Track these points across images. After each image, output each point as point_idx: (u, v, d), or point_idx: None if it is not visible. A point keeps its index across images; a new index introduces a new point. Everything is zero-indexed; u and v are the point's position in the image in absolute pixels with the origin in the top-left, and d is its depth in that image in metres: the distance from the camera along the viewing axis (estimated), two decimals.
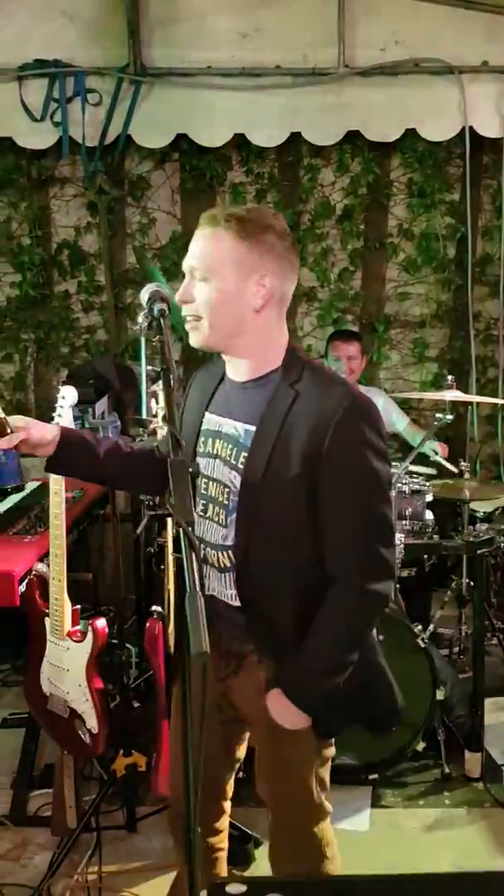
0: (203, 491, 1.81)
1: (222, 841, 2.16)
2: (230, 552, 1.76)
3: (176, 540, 1.29)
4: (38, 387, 5.05)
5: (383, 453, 1.67)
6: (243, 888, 1.11)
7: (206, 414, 1.83)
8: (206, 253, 1.70)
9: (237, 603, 1.78)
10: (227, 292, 1.69)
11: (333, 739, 1.92)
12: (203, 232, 1.72)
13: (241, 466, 1.72)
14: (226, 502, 1.75)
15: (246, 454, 1.71)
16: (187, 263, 1.74)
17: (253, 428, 1.72)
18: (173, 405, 1.48)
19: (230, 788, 2.12)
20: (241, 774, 2.93)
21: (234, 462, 1.74)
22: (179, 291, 1.73)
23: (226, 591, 1.80)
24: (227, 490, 1.75)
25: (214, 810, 2.11)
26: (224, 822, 2.15)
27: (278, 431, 1.67)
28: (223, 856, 2.18)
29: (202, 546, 1.77)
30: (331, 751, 1.92)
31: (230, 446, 1.76)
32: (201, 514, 1.81)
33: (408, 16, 4.28)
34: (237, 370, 1.79)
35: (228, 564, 1.77)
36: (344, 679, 1.73)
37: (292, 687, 1.74)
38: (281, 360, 1.75)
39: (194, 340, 1.75)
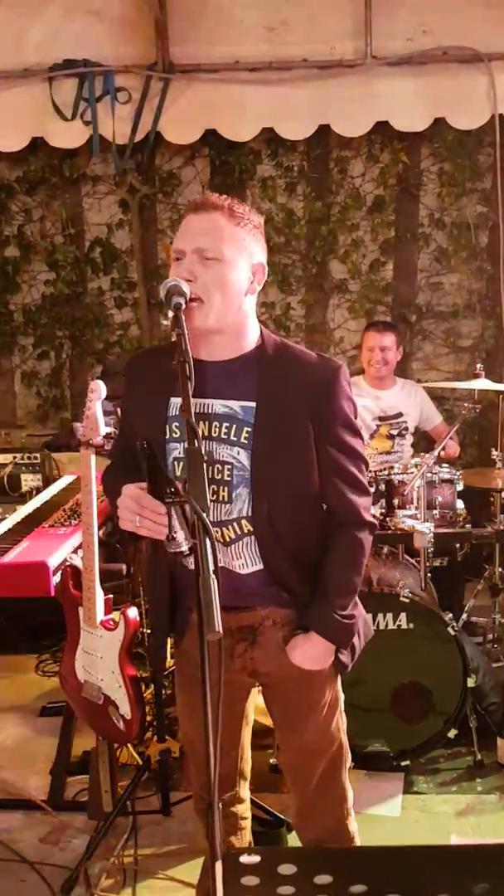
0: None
1: (246, 810, 2.22)
2: (237, 524, 1.82)
3: (193, 526, 1.33)
4: (74, 382, 5.14)
5: (355, 405, 1.91)
6: (257, 858, 1.15)
7: (173, 398, 1.83)
8: (215, 234, 1.74)
9: (247, 570, 1.86)
10: (234, 273, 1.75)
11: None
12: (207, 215, 1.76)
13: (245, 441, 1.78)
14: (228, 478, 1.80)
15: (250, 429, 1.78)
16: (191, 244, 1.74)
17: (250, 404, 1.79)
18: (189, 396, 1.51)
19: (248, 749, 2.18)
20: (272, 761, 3.03)
21: (234, 439, 1.79)
22: (182, 269, 1.74)
23: (233, 561, 1.86)
24: (227, 467, 1.79)
25: (238, 777, 2.16)
26: (246, 791, 2.21)
27: (279, 403, 1.78)
28: (248, 825, 2.24)
29: None
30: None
31: (226, 425, 1.79)
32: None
33: (434, 4, 4.28)
34: (220, 350, 1.81)
35: (235, 535, 1.83)
36: (356, 599, 1.93)
37: (320, 622, 1.86)
38: (259, 339, 1.84)
39: (200, 321, 1.73)
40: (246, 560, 1.86)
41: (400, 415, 4.16)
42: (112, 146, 4.54)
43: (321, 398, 1.80)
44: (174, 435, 1.83)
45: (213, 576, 1.28)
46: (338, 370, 1.84)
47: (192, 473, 1.39)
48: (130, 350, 5.01)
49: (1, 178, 4.96)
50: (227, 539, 1.84)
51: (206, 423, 1.81)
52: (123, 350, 5.05)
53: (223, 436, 1.80)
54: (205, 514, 1.33)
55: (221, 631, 1.22)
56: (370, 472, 3.39)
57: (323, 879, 1.18)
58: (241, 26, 4.34)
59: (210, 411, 1.81)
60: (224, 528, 1.83)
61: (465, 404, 3.40)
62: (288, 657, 1.89)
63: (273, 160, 4.85)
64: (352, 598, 1.91)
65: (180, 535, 1.62)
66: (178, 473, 1.81)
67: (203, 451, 1.43)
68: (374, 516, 1.96)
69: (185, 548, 1.60)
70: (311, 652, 1.88)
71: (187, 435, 1.46)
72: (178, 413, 1.81)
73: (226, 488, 1.80)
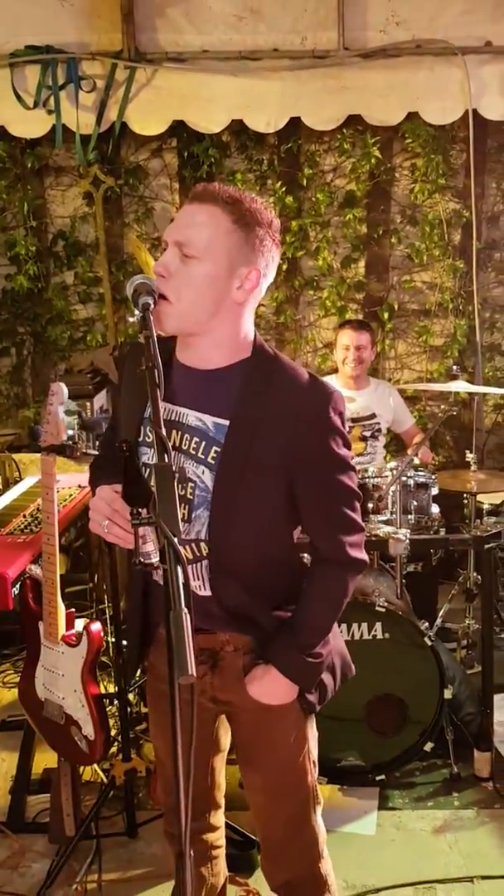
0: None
1: (219, 839, 2.08)
2: (194, 545, 1.69)
3: (161, 551, 1.20)
4: (36, 380, 4.98)
5: (347, 437, 1.72)
6: None
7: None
8: (202, 230, 1.58)
9: (204, 593, 1.72)
10: (213, 278, 1.59)
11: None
12: (201, 207, 1.60)
13: (211, 461, 1.64)
14: (189, 497, 1.66)
15: (218, 449, 1.63)
16: (175, 235, 1.60)
17: (224, 422, 1.63)
18: (159, 406, 1.38)
19: (223, 780, 2.05)
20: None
21: (201, 457, 1.65)
22: (159, 263, 1.59)
23: (193, 582, 1.72)
24: (190, 485, 1.66)
25: (210, 805, 2.03)
26: (220, 819, 2.07)
27: (254, 426, 1.62)
28: (222, 854, 2.10)
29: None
30: (315, 732, 1.92)
31: (196, 440, 1.65)
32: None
33: None
34: (201, 358, 1.66)
35: (191, 557, 1.69)
36: (327, 643, 1.78)
37: (282, 660, 1.73)
38: (248, 352, 1.67)
39: (166, 324, 1.60)
40: (203, 583, 1.72)
41: (373, 416, 4.08)
42: (76, 136, 4.38)
43: (307, 432, 1.63)
44: (147, 439, 1.71)
45: (186, 609, 1.14)
46: (328, 399, 1.64)
47: (161, 492, 1.26)
48: (95, 347, 4.85)
49: None
50: (186, 558, 1.71)
51: (178, 433, 1.68)
52: (88, 347, 4.89)
53: (191, 450, 1.66)
54: (175, 540, 1.20)
55: (195, 674, 1.09)
56: None
57: None
58: (210, 14, 4.21)
59: (183, 421, 1.67)
60: (184, 548, 1.69)
61: (442, 406, 3.30)
62: (244, 685, 1.76)
63: (243, 153, 4.71)
64: (322, 638, 1.75)
65: (149, 547, 1.49)
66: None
67: (174, 466, 1.30)
68: (362, 557, 1.77)
69: (154, 560, 1.47)
70: (269, 686, 1.74)
71: (157, 449, 1.32)
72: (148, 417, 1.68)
73: (186, 507, 1.67)
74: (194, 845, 1.77)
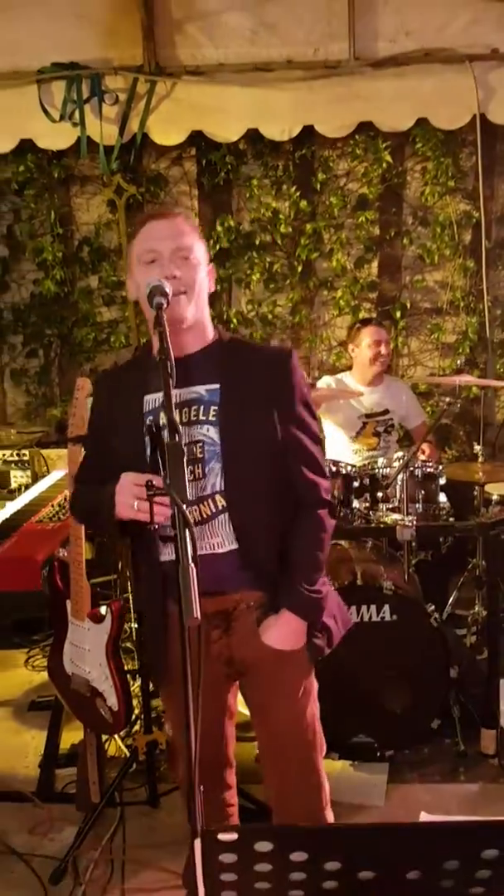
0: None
1: (233, 797, 2.28)
2: (211, 500, 1.90)
3: (172, 517, 1.38)
4: (63, 380, 5.18)
5: (307, 385, 2.02)
6: (234, 836, 1.20)
7: (147, 396, 1.94)
8: (186, 236, 1.90)
9: (223, 549, 1.92)
10: (203, 272, 1.92)
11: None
12: (172, 220, 1.92)
13: (213, 418, 1.89)
14: (200, 455, 1.89)
15: (216, 407, 1.89)
16: (169, 245, 1.87)
17: (214, 386, 1.91)
18: (171, 393, 1.57)
19: (233, 738, 2.23)
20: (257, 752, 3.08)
21: (203, 418, 1.89)
22: (165, 269, 1.85)
23: (211, 540, 1.92)
24: (198, 444, 1.89)
25: (223, 764, 2.22)
26: (232, 777, 2.26)
27: (241, 383, 1.91)
28: (235, 811, 2.29)
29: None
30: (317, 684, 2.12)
31: (195, 408, 1.91)
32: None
33: (417, 6, 4.32)
34: (189, 344, 1.93)
35: (210, 512, 1.91)
36: (323, 576, 2.00)
37: (287, 597, 1.93)
38: (214, 335, 1.99)
39: (188, 312, 1.87)
40: (223, 539, 1.92)
41: (386, 412, 4.18)
42: (100, 147, 4.58)
43: (278, 379, 1.92)
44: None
45: (192, 563, 1.34)
46: (290, 352, 1.97)
47: (172, 466, 1.45)
48: (119, 347, 5.04)
49: None
50: (205, 516, 1.91)
51: (175, 411, 1.87)
52: (112, 348, 5.09)
53: (192, 418, 1.90)
54: (184, 507, 1.38)
55: (199, 616, 1.28)
56: (354, 467, 3.47)
57: (298, 857, 1.22)
58: (226, 29, 4.39)
59: (179, 400, 1.90)
60: (200, 505, 1.90)
61: (447, 399, 3.43)
62: (261, 640, 1.94)
63: (259, 160, 4.89)
64: (317, 574, 1.97)
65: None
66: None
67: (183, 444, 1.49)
68: (332, 497, 2.08)
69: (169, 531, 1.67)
70: (283, 629, 1.93)
71: (168, 429, 1.51)
72: (156, 407, 1.91)
73: (199, 465, 1.89)
74: (210, 804, 1.95)
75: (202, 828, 1.20)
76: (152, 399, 1.93)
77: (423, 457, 3.75)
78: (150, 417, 1.90)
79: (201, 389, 1.91)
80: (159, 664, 2.03)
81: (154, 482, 1.63)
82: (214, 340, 1.98)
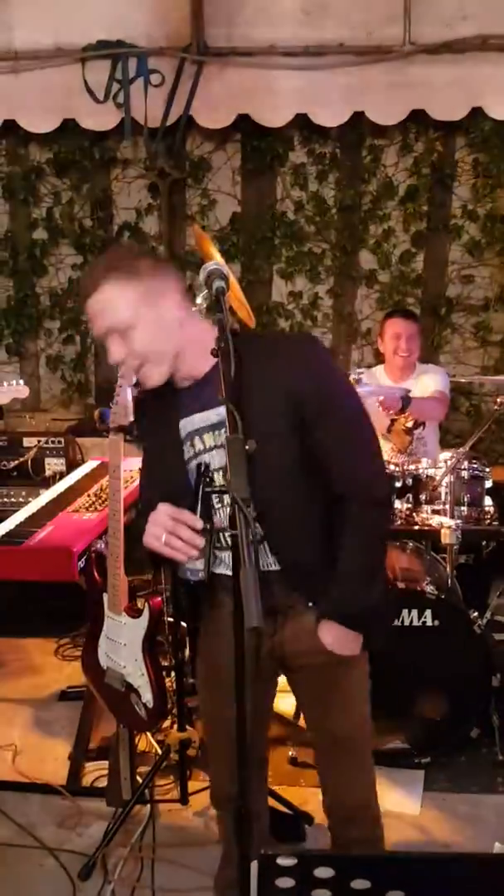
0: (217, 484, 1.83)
1: (264, 801, 2.26)
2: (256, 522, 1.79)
3: (231, 518, 1.30)
4: (99, 368, 5.13)
5: (346, 374, 1.86)
6: (294, 860, 1.12)
7: (182, 420, 1.86)
8: (114, 309, 1.74)
9: (268, 568, 1.84)
10: (151, 329, 1.75)
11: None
12: (97, 296, 1.75)
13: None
14: (223, 483, 1.78)
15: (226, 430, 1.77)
16: (101, 328, 1.77)
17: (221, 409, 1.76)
18: (230, 382, 1.48)
19: (268, 743, 2.20)
20: (291, 753, 3.01)
21: (221, 443, 1.80)
22: (111, 355, 1.77)
23: (264, 559, 1.84)
24: (222, 471, 1.79)
25: (260, 770, 2.17)
26: (265, 781, 2.23)
27: (247, 391, 1.70)
28: (265, 815, 2.26)
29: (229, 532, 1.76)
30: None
31: (215, 431, 1.81)
32: (218, 503, 1.85)
33: None
34: (191, 374, 1.83)
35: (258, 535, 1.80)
36: (379, 583, 1.88)
37: (338, 610, 1.83)
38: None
39: (154, 381, 1.78)
40: (265, 562, 1.84)
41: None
42: (143, 129, 4.50)
43: (301, 376, 1.76)
44: (192, 451, 1.86)
45: (253, 567, 1.25)
46: (311, 341, 1.84)
47: (232, 462, 1.37)
48: None
49: (31, 160, 4.93)
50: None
51: (199, 437, 1.84)
52: None
53: (213, 445, 1.82)
54: (246, 506, 1.30)
55: (261, 624, 1.20)
56: (397, 465, 3.37)
57: (360, 884, 1.15)
58: (278, 9, 4.30)
59: (198, 426, 1.84)
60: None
61: (499, 399, 3.31)
62: (316, 639, 1.85)
63: (305, 147, 4.79)
64: (373, 582, 1.86)
65: (199, 564, 1.61)
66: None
67: (244, 441, 1.40)
68: (387, 489, 1.95)
69: (201, 576, 1.62)
70: (333, 637, 1.84)
71: (228, 422, 1.44)
72: (192, 431, 1.85)
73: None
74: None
75: (263, 851, 1.12)
76: (189, 422, 1.85)
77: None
78: (198, 460, 1.83)
79: (213, 413, 1.80)
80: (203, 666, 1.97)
81: (208, 526, 1.55)
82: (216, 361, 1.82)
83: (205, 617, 2.01)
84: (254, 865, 1.13)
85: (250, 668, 1.31)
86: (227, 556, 1.84)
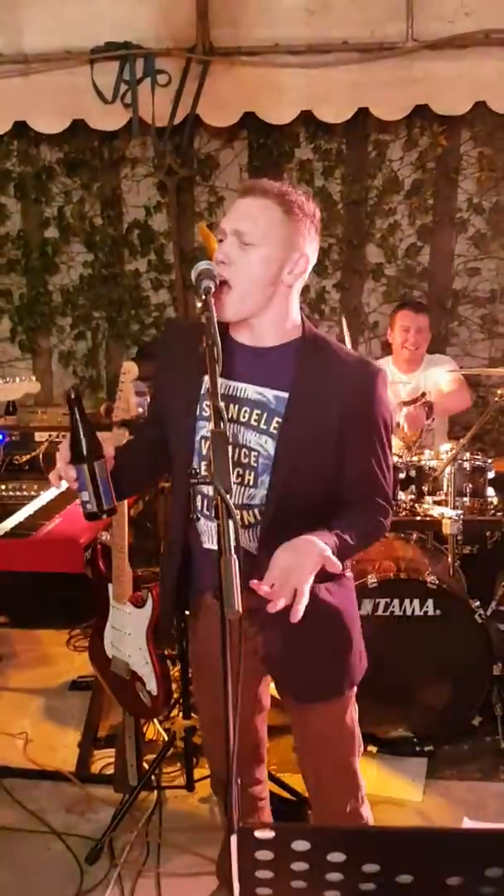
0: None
1: (263, 791, 2.26)
2: (256, 510, 1.82)
3: (215, 507, 1.35)
4: (110, 364, 5.20)
5: (392, 412, 1.91)
6: (271, 834, 1.17)
7: (206, 377, 1.75)
8: (259, 219, 1.73)
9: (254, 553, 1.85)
10: (269, 262, 1.73)
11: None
12: (254, 200, 1.74)
13: (274, 431, 1.78)
14: (254, 464, 1.80)
15: (280, 419, 1.77)
16: (233, 225, 1.74)
17: (284, 394, 1.78)
18: (217, 380, 1.53)
19: (265, 735, 2.20)
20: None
21: (264, 427, 1.78)
22: (220, 251, 1.74)
23: (250, 543, 1.85)
24: (254, 453, 1.79)
25: (254, 760, 2.19)
26: (263, 772, 2.24)
27: (312, 397, 1.76)
28: (266, 805, 2.28)
29: None
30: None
31: (257, 412, 1.79)
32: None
33: None
34: (256, 337, 1.81)
35: (252, 521, 1.83)
36: (345, 555, 1.78)
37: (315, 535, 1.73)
38: (299, 333, 1.83)
39: (228, 310, 1.74)
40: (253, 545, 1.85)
41: (423, 395, 4.05)
42: (151, 129, 4.55)
43: (358, 403, 1.78)
44: (203, 413, 1.83)
45: (235, 555, 1.30)
46: (377, 375, 1.80)
47: (216, 455, 1.41)
48: None
49: (42, 160, 5.00)
50: (247, 523, 1.84)
51: (236, 406, 1.81)
52: (159, 332, 5.08)
53: (252, 422, 1.80)
54: (228, 496, 1.35)
55: (241, 610, 1.24)
56: (400, 457, 3.42)
57: (336, 857, 1.19)
58: (282, 9, 4.32)
59: (242, 395, 1.81)
60: (245, 512, 1.82)
61: (499, 392, 3.33)
62: (295, 637, 1.78)
63: (311, 143, 4.83)
64: (348, 548, 1.76)
65: (85, 495, 1.75)
66: (203, 451, 1.83)
67: (228, 434, 1.45)
68: (388, 522, 1.94)
69: (88, 508, 1.75)
70: (300, 547, 1.67)
71: (213, 417, 1.47)
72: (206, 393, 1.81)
73: (252, 473, 1.80)
74: (240, 798, 1.92)
75: (239, 824, 1.17)
76: (222, 384, 1.79)
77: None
78: (204, 403, 1.82)
79: (269, 394, 1.79)
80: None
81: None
82: (297, 339, 1.82)
83: (192, 602, 2.03)
84: (233, 838, 1.19)
85: (233, 655, 1.35)
86: (212, 527, 1.80)
